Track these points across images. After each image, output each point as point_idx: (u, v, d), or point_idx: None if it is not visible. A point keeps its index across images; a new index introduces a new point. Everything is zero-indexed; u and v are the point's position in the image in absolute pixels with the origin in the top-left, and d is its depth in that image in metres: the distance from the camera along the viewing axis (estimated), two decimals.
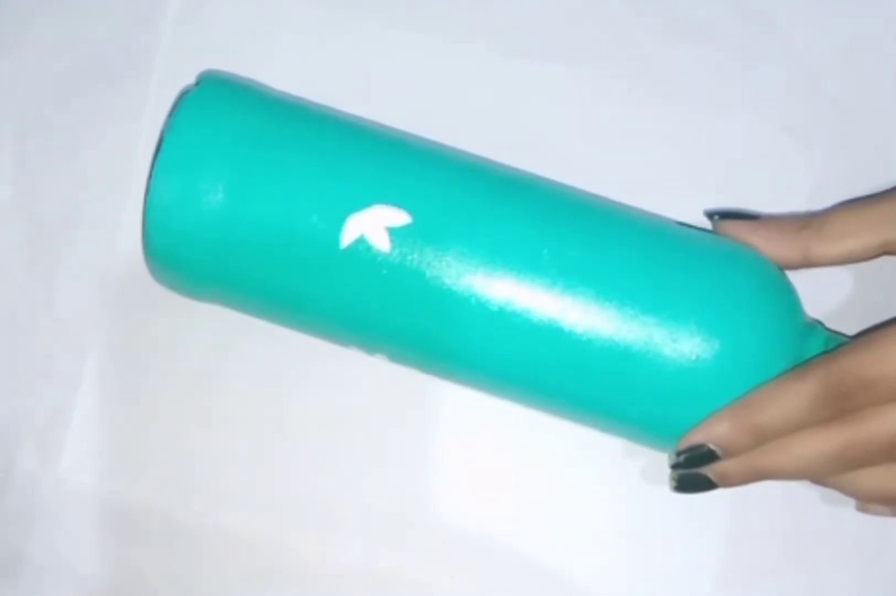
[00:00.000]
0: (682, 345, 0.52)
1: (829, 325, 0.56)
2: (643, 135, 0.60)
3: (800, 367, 0.53)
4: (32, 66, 0.60)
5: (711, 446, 0.52)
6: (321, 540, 0.59)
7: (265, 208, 0.52)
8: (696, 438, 0.53)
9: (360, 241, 0.51)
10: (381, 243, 0.51)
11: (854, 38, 0.61)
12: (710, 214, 0.57)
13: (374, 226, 0.51)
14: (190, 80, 0.57)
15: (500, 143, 0.57)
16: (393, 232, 0.51)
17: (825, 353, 0.53)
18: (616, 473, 0.59)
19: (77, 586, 0.59)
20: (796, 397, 0.52)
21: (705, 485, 0.55)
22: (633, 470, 0.59)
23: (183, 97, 0.54)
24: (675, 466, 0.54)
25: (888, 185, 0.60)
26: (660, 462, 0.56)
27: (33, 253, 0.60)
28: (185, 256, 0.53)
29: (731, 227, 0.56)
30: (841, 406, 0.51)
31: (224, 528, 0.59)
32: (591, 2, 0.60)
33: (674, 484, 0.55)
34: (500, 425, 0.59)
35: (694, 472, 0.54)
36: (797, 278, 0.56)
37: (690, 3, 0.60)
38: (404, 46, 0.60)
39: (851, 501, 0.57)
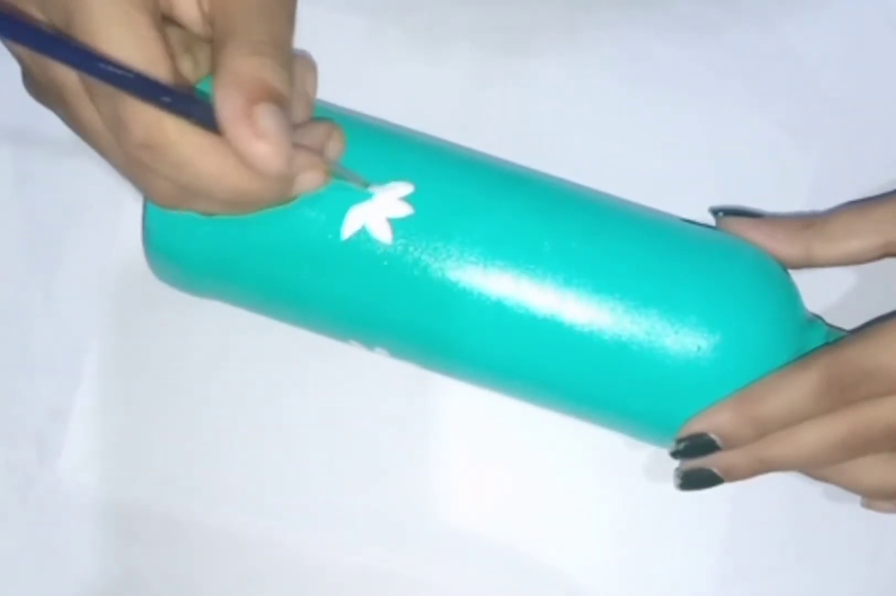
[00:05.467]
0: (684, 337, 0.52)
1: (828, 322, 0.56)
2: (644, 134, 0.60)
3: (801, 359, 0.53)
4: None
5: (712, 436, 0.52)
6: (321, 540, 0.59)
7: None
8: (697, 426, 0.53)
9: (362, 233, 0.51)
10: (383, 234, 0.51)
11: (853, 38, 0.61)
12: (715, 211, 0.58)
13: (375, 217, 0.51)
14: None
15: (502, 141, 0.57)
16: (394, 223, 0.51)
17: (825, 346, 0.53)
18: (617, 471, 0.59)
19: (76, 587, 0.59)
20: (798, 388, 0.52)
21: (710, 481, 0.54)
22: (634, 468, 0.59)
23: None
24: (674, 454, 0.54)
25: (887, 185, 0.60)
26: (661, 459, 0.56)
27: (33, 253, 0.60)
28: (185, 249, 0.53)
29: (734, 223, 0.56)
30: (843, 397, 0.52)
31: (223, 528, 0.59)
32: (591, 1, 0.60)
33: (678, 481, 0.55)
34: (500, 423, 0.59)
35: (699, 468, 0.54)
36: (796, 276, 0.56)
37: (690, 4, 0.61)
38: (402, 44, 0.60)
39: (852, 498, 0.57)
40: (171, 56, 0.46)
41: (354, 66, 0.60)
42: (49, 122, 0.59)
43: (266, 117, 0.45)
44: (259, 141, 0.44)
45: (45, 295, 0.60)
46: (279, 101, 0.45)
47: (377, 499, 0.59)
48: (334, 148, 0.51)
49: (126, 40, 0.45)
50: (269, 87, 0.45)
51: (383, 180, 0.52)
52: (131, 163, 0.47)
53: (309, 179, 0.49)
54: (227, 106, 0.45)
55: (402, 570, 0.59)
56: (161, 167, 0.46)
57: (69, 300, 0.60)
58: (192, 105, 0.45)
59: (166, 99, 0.44)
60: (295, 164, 0.47)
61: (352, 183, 0.51)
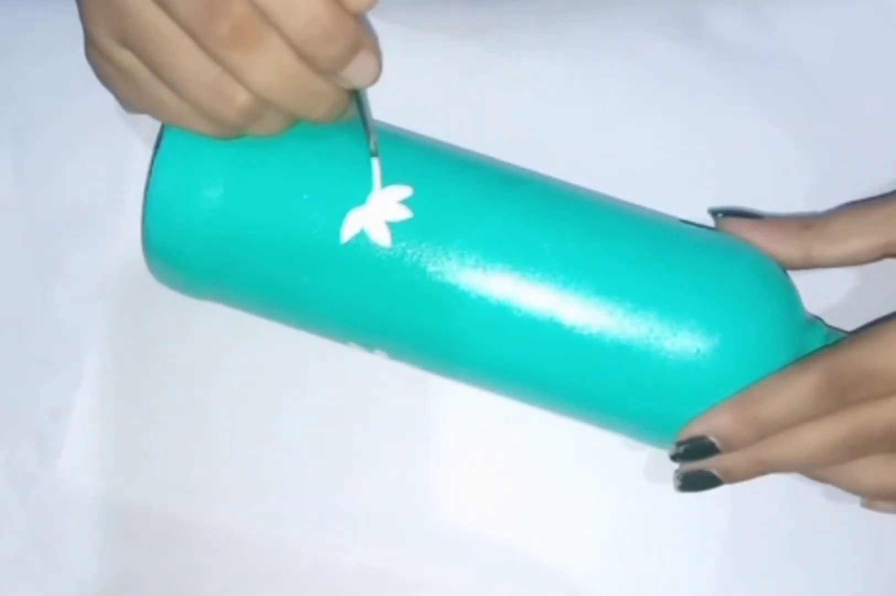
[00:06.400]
0: (683, 339, 0.52)
1: (828, 323, 0.56)
2: (644, 134, 0.60)
3: (801, 361, 0.53)
4: (32, 66, 0.60)
5: (712, 438, 0.52)
6: (321, 540, 0.59)
7: (265, 203, 0.52)
8: (696, 429, 0.53)
9: (361, 236, 0.52)
10: (382, 238, 0.51)
11: (852, 38, 0.61)
12: (714, 212, 0.58)
13: (374, 220, 0.51)
14: None
15: (501, 142, 0.57)
16: (393, 226, 0.52)
17: (825, 347, 0.53)
18: (616, 472, 0.59)
19: (76, 587, 0.59)
20: (798, 390, 0.52)
21: (710, 482, 0.54)
22: (634, 469, 0.59)
23: None
24: (674, 457, 0.54)
25: (887, 185, 0.60)
26: (660, 460, 0.56)
27: (33, 253, 0.60)
28: (184, 252, 0.53)
29: (733, 224, 0.56)
30: (843, 398, 0.52)
31: (223, 528, 0.59)
32: (591, 1, 0.60)
33: (678, 483, 0.55)
34: (499, 424, 0.59)
35: (698, 469, 0.54)
36: (796, 277, 0.56)
37: (689, 3, 0.61)
38: (401, 43, 0.60)
39: (852, 498, 0.57)
40: None
41: None
42: (49, 122, 0.60)
43: None
44: None
45: (46, 296, 0.60)
46: None
47: (377, 499, 0.59)
48: None
49: None
50: None
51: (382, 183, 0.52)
52: (226, 47, 0.48)
53: (367, 60, 0.49)
54: None
55: (402, 570, 0.59)
56: None
57: (69, 301, 0.60)
58: None
59: None
60: (364, 33, 0.48)
61: (368, 139, 0.52)
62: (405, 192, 0.52)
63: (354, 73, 0.49)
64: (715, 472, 0.54)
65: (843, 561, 0.60)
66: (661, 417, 0.53)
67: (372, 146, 0.52)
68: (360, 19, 0.48)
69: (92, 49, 0.53)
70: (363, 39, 0.49)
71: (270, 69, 0.48)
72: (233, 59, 0.48)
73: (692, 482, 0.55)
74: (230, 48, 0.47)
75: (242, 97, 0.49)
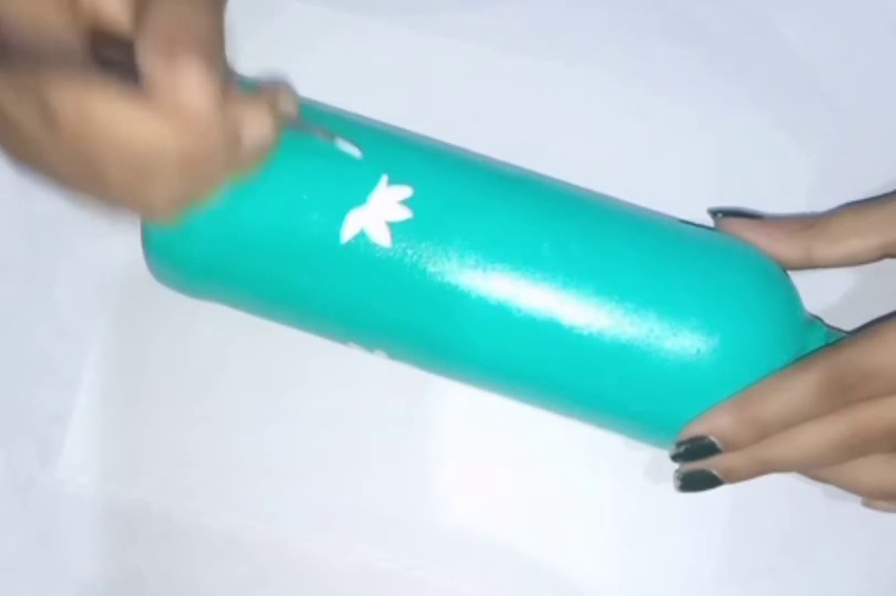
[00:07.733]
0: (683, 339, 0.52)
1: (827, 322, 0.56)
2: (643, 134, 0.60)
3: (801, 360, 0.53)
4: None
5: (712, 438, 0.52)
6: (321, 540, 0.59)
7: (265, 203, 0.52)
8: (697, 429, 0.53)
9: (361, 236, 0.51)
10: (382, 238, 0.51)
11: (853, 38, 0.61)
12: (714, 212, 0.58)
13: (374, 220, 0.51)
14: None
15: (501, 142, 0.57)
16: (393, 226, 0.51)
17: (825, 347, 0.53)
18: (616, 472, 0.59)
19: (76, 587, 0.59)
20: (798, 390, 0.52)
21: (710, 482, 0.54)
22: (634, 468, 0.59)
23: None
24: (675, 457, 0.54)
25: (887, 185, 0.60)
26: (660, 460, 0.56)
27: (33, 254, 0.60)
28: (184, 251, 0.53)
29: (733, 224, 0.56)
30: (843, 398, 0.52)
31: (223, 528, 0.59)
32: (590, 1, 0.60)
33: (678, 483, 0.55)
34: (499, 424, 0.59)
35: (699, 469, 0.54)
36: (796, 277, 0.56)
37: (688, 3, 0.61)
38: (401, 44, 0.60)
39: (852, 498, 0.57)
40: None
41: (352, 65, 0.60)
42: None
43: (189, 65, 0.44)
44: (183, 89, 0.44)
45: (46, 296, 0.60)
46: (202, 49, 0.45)
47: (377, 499, 0.59)
48: (284, 101, 0.50)
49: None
50: (191, 35, 0.45)
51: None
52: (75, 161, 0.47)
53: (255, 127, 0.48)
54: (148, 60, 0.44)
55: (402, 570, 0.59)
56: (102, 148, 0.45)
57: (69, 302, 0.60)
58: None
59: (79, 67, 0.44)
60: (233, 111, 0.47)
61: (316, 135, 0.51)
62: (405, 192, 0.52)
63: (251, 142, 0.49)
64: (715, 472, 0.54)
65: (843, 561, 0.60)
66: (661, 417, 0.53)
67: (322, 137, 0.51)
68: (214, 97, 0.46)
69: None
70: (239, 115, 0.48)
71: (173, 191, 0.48)
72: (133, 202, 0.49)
73: (692, 482, 0.55)
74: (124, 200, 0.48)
75: (109, 179, 0.48)
